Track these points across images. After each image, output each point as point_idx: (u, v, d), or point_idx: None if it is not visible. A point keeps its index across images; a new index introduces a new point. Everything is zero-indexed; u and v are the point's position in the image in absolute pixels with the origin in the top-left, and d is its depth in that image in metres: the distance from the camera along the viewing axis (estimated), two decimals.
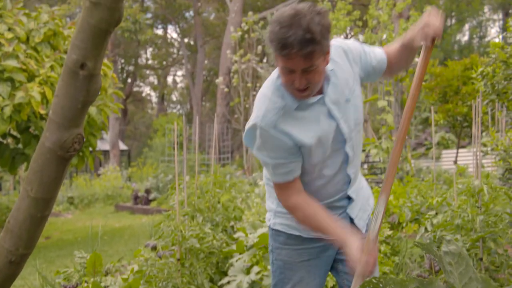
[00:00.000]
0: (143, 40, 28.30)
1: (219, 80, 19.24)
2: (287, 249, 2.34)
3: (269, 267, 3.69)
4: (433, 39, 2.04)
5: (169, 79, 42.92)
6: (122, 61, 34.25)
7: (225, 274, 4.41)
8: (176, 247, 4.04)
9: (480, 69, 5.38)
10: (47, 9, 7.76)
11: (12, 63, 6.73)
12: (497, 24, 33.36)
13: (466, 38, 32.99)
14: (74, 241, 8.49)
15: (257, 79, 17.54)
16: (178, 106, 44.63)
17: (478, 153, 3.99)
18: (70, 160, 1.57)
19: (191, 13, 31.74)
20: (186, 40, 35.45)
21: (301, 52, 1.87)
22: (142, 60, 38.26)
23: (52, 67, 7.28)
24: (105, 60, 8.16)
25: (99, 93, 1.69)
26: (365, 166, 9.11)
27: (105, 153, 25.64)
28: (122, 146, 28.15)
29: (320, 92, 2.09)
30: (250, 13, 17.69)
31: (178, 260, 3.98)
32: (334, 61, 2.13)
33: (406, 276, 3.88)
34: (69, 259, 6.56)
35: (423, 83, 12.87)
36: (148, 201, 13.16)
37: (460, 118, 11.98)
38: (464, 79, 11.87)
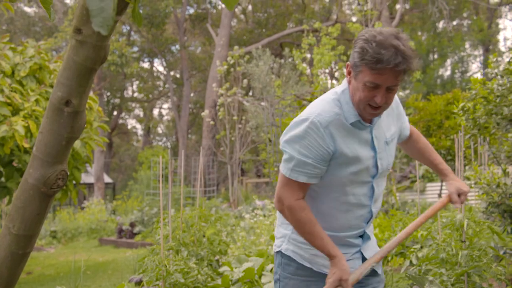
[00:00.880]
0: (129, 73, 28.39)
1: (205, 113, 19.32)
2: (296, 280, 2.32)
3: None
4: (459, 201, 2.42)
5: (155, 111, 42.96)
6: (108, 94, 34.26)
7: None
8: (161, 282, 4.00)
9: (462, 104, 5.47)
10: (33, 43, 7.79)
11: None
12: (478, 59, 34.05)
13: (448, 73, 33.57)
14: (56, 277, 8.34)
15: (243, 112, 17.65)
16: (164, 139, 44.54)
17: None
18: (53, 196, 1.56)
19: (177, 46, 31.98)
20: (172, 73, 35.62)
21: (395, 69, 2.00)
22: (128, 93, 38.31)
23: (37, 101, 7.27)
24: (91, 94, 8.18)
25: (84, 127, 1.69)
26: None
27: (90, 186, 25.39)
28: (107, 179, 27.91)
29: (370, 121, 2.21)
30: (236, 47, 17.91)
31: None
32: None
33: None
34: None
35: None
36: (132, 235, 13.01)
37: (443, 151, 12.08)
38: (446, 113, 12.02)
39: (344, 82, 2.22)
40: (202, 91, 31.30)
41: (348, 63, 2.18)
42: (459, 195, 2.43)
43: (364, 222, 2.28)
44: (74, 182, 8.08)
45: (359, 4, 15.58)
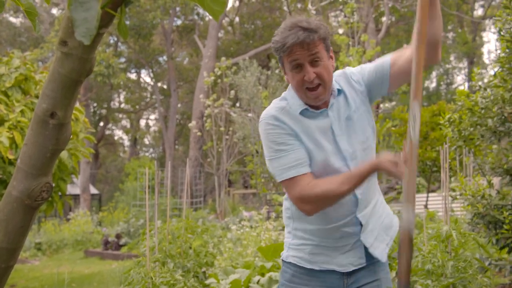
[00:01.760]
0: (116, 84, 28.32)
1: (192, 124, 19.29)
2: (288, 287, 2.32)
3: None
4: None
5: (142, 122, 42.85)
6: (95, 104, 34.11)
7: None
8: None
9: (448, 116, 5.52)
10: (19, 54, 7.74)
11: None
12: (462, 71, 34.46)
13: (434, 85, 33.90)
14: None
15: (230, 123, 17.64)
16: (151, 150, 44.38)
17: (446, 199, 4.05)
18: (37, 209, 1.54)
19: (165, 57, 32.00)
20: (159, 84, 35.58)
21: (304, 42, 2.06)
22: (114, 104, 38.16)
23: (22, 112, 7.22)
24: (77, 105, 8.14)
25: (70, 138, 1.68)
26: None
27: (76, 197, 25.18)
28: (93, 190, 27.70)
29: (326, 105, 2.22)
30: (223, 58, 17.94)
31: None
32: (340, 85, 2.26)
33: None
34: None
35: (393, 128, 13.11)
36: (118, 246, 12.89)
37: (429, 163, 12.16)
38: (432, 125, 12.12)
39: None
40: (189, 102, 31.27)
41: None
42: None
43: (353, 207, 2.21)
44: (59, 193, 8.00)
45: (345, 16, 15.73)
